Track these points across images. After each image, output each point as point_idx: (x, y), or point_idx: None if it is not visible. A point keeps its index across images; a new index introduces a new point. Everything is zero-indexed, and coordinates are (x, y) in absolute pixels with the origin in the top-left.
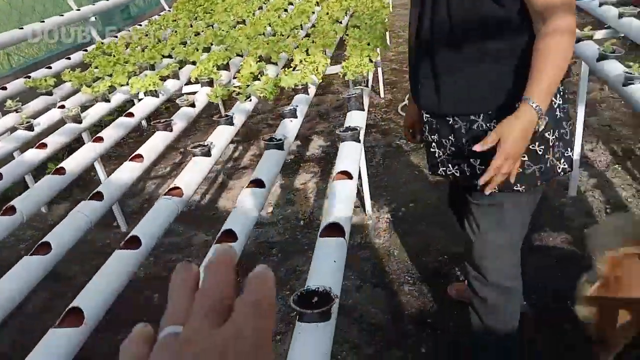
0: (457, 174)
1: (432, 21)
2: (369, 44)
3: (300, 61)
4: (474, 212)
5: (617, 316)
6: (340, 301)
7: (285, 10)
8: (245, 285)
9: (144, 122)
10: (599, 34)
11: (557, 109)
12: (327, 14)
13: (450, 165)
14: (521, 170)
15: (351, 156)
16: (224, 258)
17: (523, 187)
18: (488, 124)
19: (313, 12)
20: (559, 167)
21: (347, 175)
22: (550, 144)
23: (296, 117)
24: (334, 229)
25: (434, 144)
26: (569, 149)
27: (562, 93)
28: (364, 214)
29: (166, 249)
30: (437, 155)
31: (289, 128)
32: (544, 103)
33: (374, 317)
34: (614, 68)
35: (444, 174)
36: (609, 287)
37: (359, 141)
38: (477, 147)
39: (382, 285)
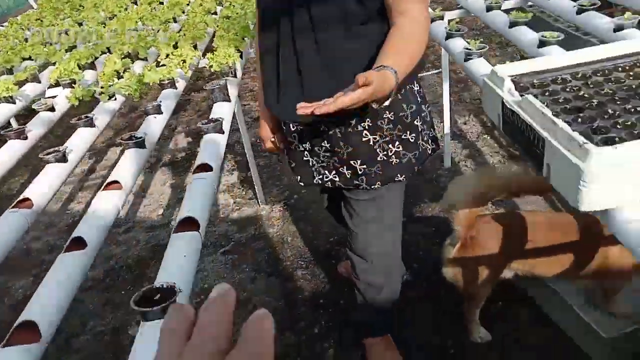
0: (337, 179)
1: (293, 25)
2: (237, 35)
3: (167, 55)
4: (355, 208)
5: (477, 274)
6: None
7: (161, 3)
8: (242, 332)
9: None
10: (453, 14)
11: (418, 95)
12: (201, 5)
13: (327, 172)
14: (399, 160)
15: (212, 148)
16: (222, 301)
17: (403, 176)
18: (362, 124)
19: (188, 4)
20: (429, 149)
21: (206, 168)
22: (420, 129)
23: (161, 112)
24: (190, 224)
25: (306, 152)
26: (432, 130)
27: (417, 78)
28: (257, 205)
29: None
30: (311, 164)
31: (153, 125)
32: (401, 78)
33: (267, 306)
34: (457, 45)
35: (320, 182)
36: (467, 247)
37: (223, 132)
38: (360, 77)
39: (277, 274)
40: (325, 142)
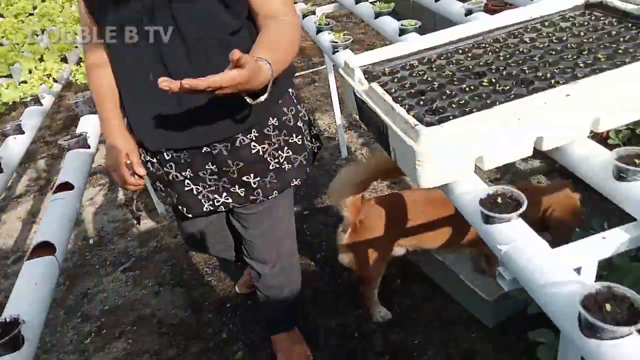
0: (230, 200)
1: (160, 41)
2: None
3: (30, 70)
4: (250, 220)
5: (369, 255)
6: (137, 312)
7: (31, 14)
8: None
9: None
10: (327, 8)
11: (293, 97)
12: (72, 15)
13: (217, 195)
14: (291, 165)
15: (75, 165)
16: None
17: (298, 179)
18: (249, 136)
19: (60, 14)
20: (315, 148)
21: (67, 187)
22: (303, 130)
23: (23, 132)
24: (45, 249)
25: (187, 181)
26: (312, 128)
27: (290, 80)
28: (157, 216)
29: None
30: (195, 192)
31: (12, 146)
32: (275, 74)
33: (173, 318)
34: (325, 39)
35: (212, 208)
36: (357, 232)
37: (88, 147)
38: (235, 53)
39: (182, 284)
40: (210, 164)
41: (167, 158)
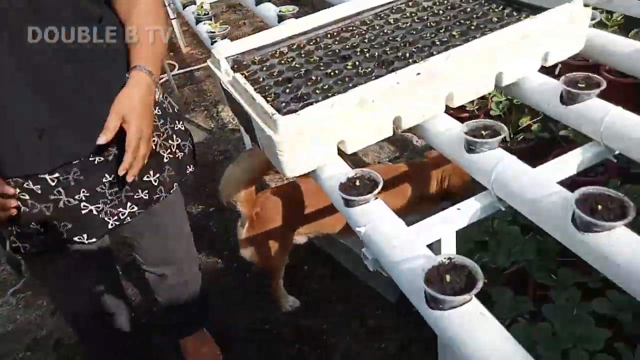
0: (136, 208)
1: (17, 47)
2: None
3: None
4: (143, 225)
5: (270, 247)
6: (32, 335)
7: None
8: None
9: None
10: None
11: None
12: None
13: (121, 208)
14: (182, 153)
15: None
16: None
17: (191, 165)
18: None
19: None
20: (191, 134)
21: None
22: (179, 116)
23: None
24: None
25: (83, 203)
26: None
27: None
28: None
29: None
30: (95, 212)
31: None
32: (156, 69)
33: (73, 337)
34: (203, 29)
35: (118, 223)
36: (255, 225)
37: None
38: (101, 140)
39: None
40: (107, 175)
41: (53, 183)
